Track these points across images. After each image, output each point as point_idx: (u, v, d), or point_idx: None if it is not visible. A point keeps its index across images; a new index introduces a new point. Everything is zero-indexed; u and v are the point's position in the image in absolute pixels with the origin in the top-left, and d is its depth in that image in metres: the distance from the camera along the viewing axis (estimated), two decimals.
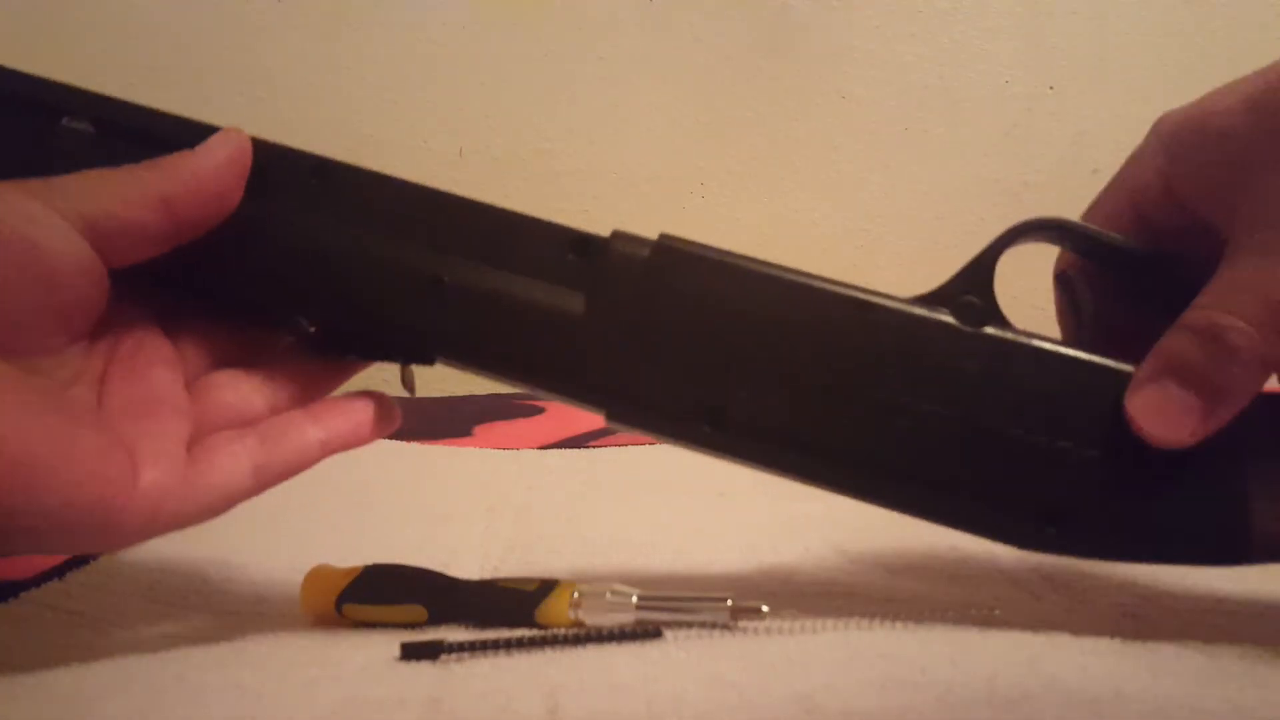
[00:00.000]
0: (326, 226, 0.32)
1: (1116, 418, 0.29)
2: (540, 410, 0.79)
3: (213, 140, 0.31)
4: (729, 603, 0.32)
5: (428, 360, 0.33)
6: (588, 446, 0.65)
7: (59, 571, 0.38)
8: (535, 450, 0.64)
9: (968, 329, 0.31)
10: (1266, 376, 0.27)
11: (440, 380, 1.01)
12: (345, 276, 0.32)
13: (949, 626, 0.32)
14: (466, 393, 0.95)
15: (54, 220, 0.27)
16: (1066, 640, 0.31)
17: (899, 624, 0.32)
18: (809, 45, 0.97)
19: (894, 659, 0.29)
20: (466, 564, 0.39)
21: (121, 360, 0.30)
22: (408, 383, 0.34)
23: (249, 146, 0.31)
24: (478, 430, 0.71)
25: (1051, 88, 0.98)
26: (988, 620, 0.32)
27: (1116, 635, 0.32)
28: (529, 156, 0.98)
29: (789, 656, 0.30)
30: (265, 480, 0.30)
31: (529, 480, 0.55)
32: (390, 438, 0.65)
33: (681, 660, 0.30)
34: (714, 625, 0.32)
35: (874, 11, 0.96)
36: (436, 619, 0.33)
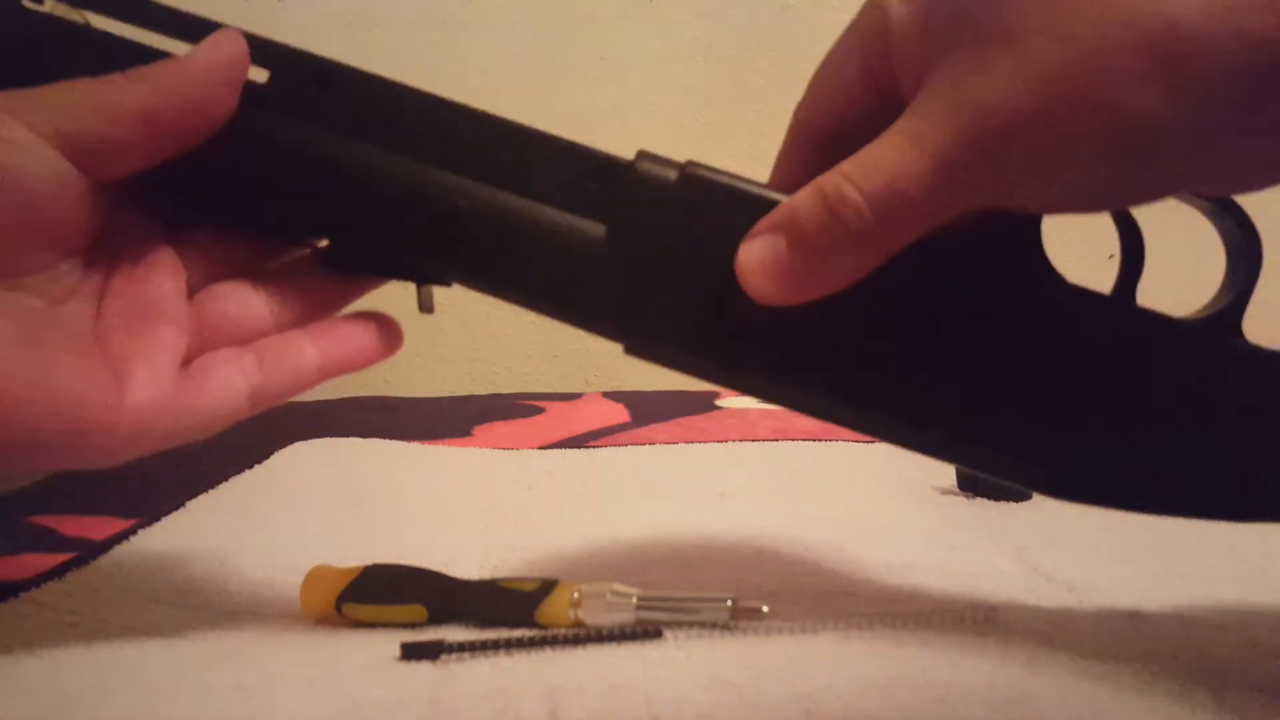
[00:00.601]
0: (333, 141, 0.30)
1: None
2: (540, 410, 0.79)
3: (204, 45, 0.29)
4: (729, 603, 0.32)
5: (444, 282, 0.32)
6: (587, 446, 0.65)
7: (59, 571, 0.38)
8: (535, 450, 0.64)
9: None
10: (874, 259, 0.26)
11: (441, 381, 1.01)
12: (355, 195, 0.30)
13: (949, 627, 0.32)
14: (466, 393, 0.95)
15: (26, 138, 0.26)
16: (1066, 641, 0.31)
17: (899, 624, 0.32)
18: (809, 45, 0.97)
19: (894, 659, 0.29)
20: (466, 564, 0.39)
21: (122, 270, 0.29)
22: (424, 303, 0.32)
23: (245, 53, 0.30)
24: (477, 430, 0.71)
25: None
26: (988, 621, 0.32)
27: (1116, 636, 0.32)
28: None
29: (789, 657, 0.30)
30: (260, 402, 0.30)
31: (529, 480, 0.55)
32: (390, 438, 0.65)
33: (682, 660, 0.30)
34: (714, 625, 0.32)
35: None
36: (436, 619, 0.33)
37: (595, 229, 0.30)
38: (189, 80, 0.28)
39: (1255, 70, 0.22)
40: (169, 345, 0.29)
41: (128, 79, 0.28)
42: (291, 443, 0.62)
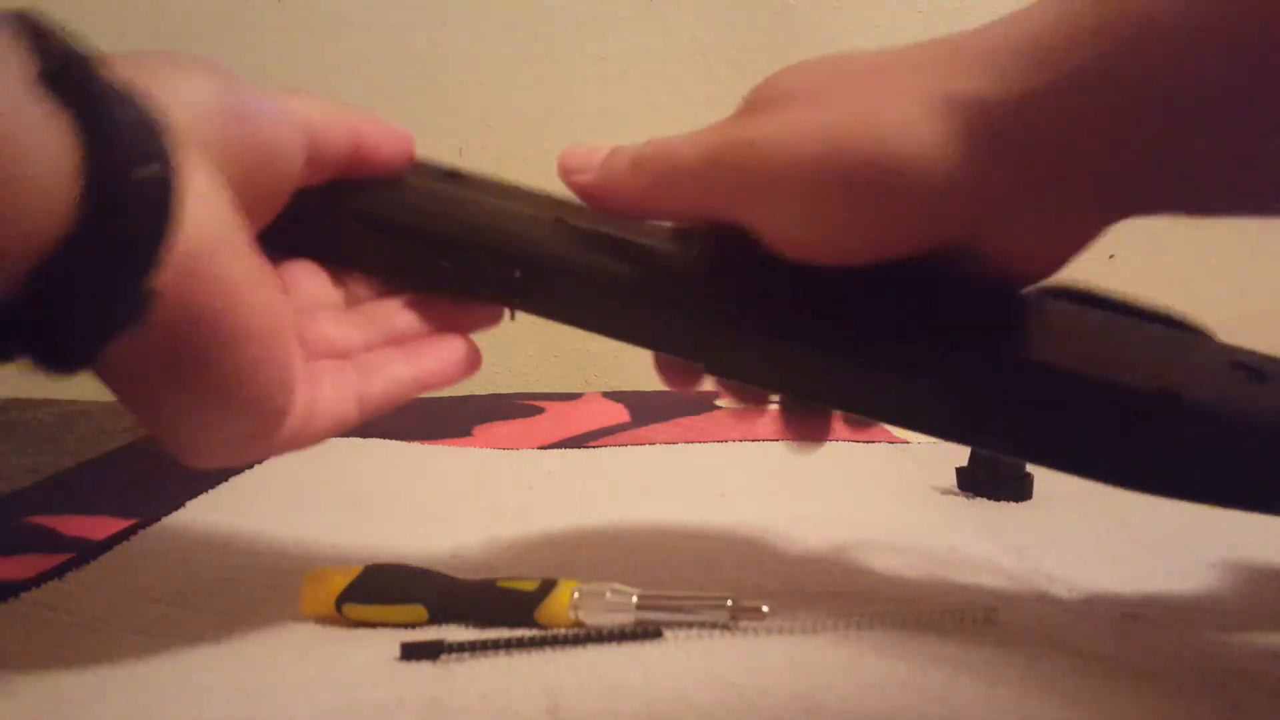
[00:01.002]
0: (460, 195, 0.34)
1: None
2: (540, 410, 0.79)
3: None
4: (729, 603, 0.32)
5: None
6: (587, 447, 0.65)
7: (59, 571, 0.38)
8: (535, 450, 0.64)
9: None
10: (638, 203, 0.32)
11: None
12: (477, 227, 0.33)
13: (949, 627, 0.32)
14: (466, 393, 0.95)
15: (293, 125, 0.29)
16: (1067, 641, 0.31)
17: (899, 624, 0.32)
18: (810, 45, 0.97)
19: (894, 660, 0.29)
20: (466, 564, 0.39)
21: None
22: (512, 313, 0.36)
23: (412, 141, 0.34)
24: (477, 430, 0.71)
25: None
26: (988, 621, 0.32)
27: (1117, 636, 0.32)
28: (528, 156, 0.98)
29: (789, 657, 0.30)
30: (368, 410, 0.31)
31: (529, 480, 0.55)
32: (390, 437, 0.65)
33: (682, 660, 0.30)
34: (714, 625, 0.32)
35: (874, 10, 0.96)
36: (436, 619, 0.33)
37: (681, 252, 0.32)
38: (381, 123, 0.33)
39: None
40: (297, 353, 0.29)
41: (338, 103, 0.32)
42: None
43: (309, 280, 0.33)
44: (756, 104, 0.31)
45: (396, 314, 0.33)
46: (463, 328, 0.34)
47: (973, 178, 0.27)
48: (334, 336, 0.32)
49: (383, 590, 0.33)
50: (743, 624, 0.32)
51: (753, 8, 0.96)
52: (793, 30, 0.96)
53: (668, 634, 0.31)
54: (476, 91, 0.97)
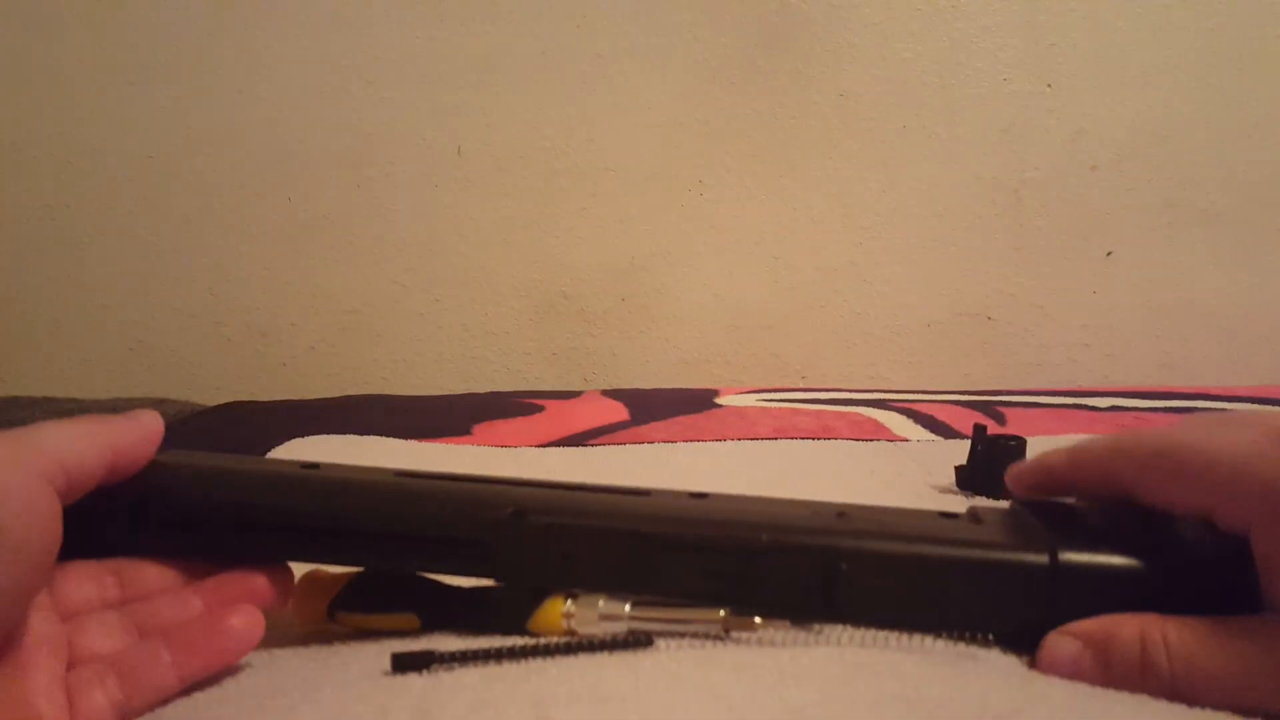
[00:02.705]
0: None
1: None
2: (539, 409, 0.79)
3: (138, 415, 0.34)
4: (722, 613, 0.31)
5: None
6: (587, 445, 0.65)
7: None
8: (534, 448, 0.64)
9: None
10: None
11: (440, 379, 1.01)
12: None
13: (942, 643, 0.31)
14: (466, 391, 0.95)
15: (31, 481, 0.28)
16: None
17: (893, 639, 0.32)
18: (808, 43, 0.96)
19: (887, 675, 0.29)
20: None
21: None
22: None
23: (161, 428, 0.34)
24: (477, 429, 0.71)
25: (1049, 86, 0.97)
26: (981, 638, 0.32)
27: None
28: (527, 154, 0.98)
29: (781, 669, 0.30)
30: (126, 718, 0.30)
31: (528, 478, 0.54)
32: (390, 436, 0.65)
33: (673, 671, 0.29)
34: (707, 636, 0.32)
35: (873, 9, 0.96)
36: (429, 626, 0.33)
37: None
38: (139, 429, 0.33)
39: None
40: (54, 673, 0.30)
41: (99, 422, 0.32)
42: (290, 440, 0.62)
43: (83, 585, 0.33)
44: None
45: (173, 606, 0.33)
46: (251, 596, 0.33)
47: None
48: (99, 647, 0.31)
49: (375, 598, 0.33)
50: (735, 635, 0.32)
51: (752, 6, 0.96)
52: (792, 28, 0.96)
53: (660, 644, 0.31)
54: (476, 90, 0.96)
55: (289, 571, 0.34)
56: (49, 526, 0.29)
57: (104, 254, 0.99)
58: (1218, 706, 0.28)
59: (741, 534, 0.32)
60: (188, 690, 0.31)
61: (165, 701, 0.30)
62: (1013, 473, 0.37)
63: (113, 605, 0.33)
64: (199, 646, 0.31)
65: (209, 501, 0.34)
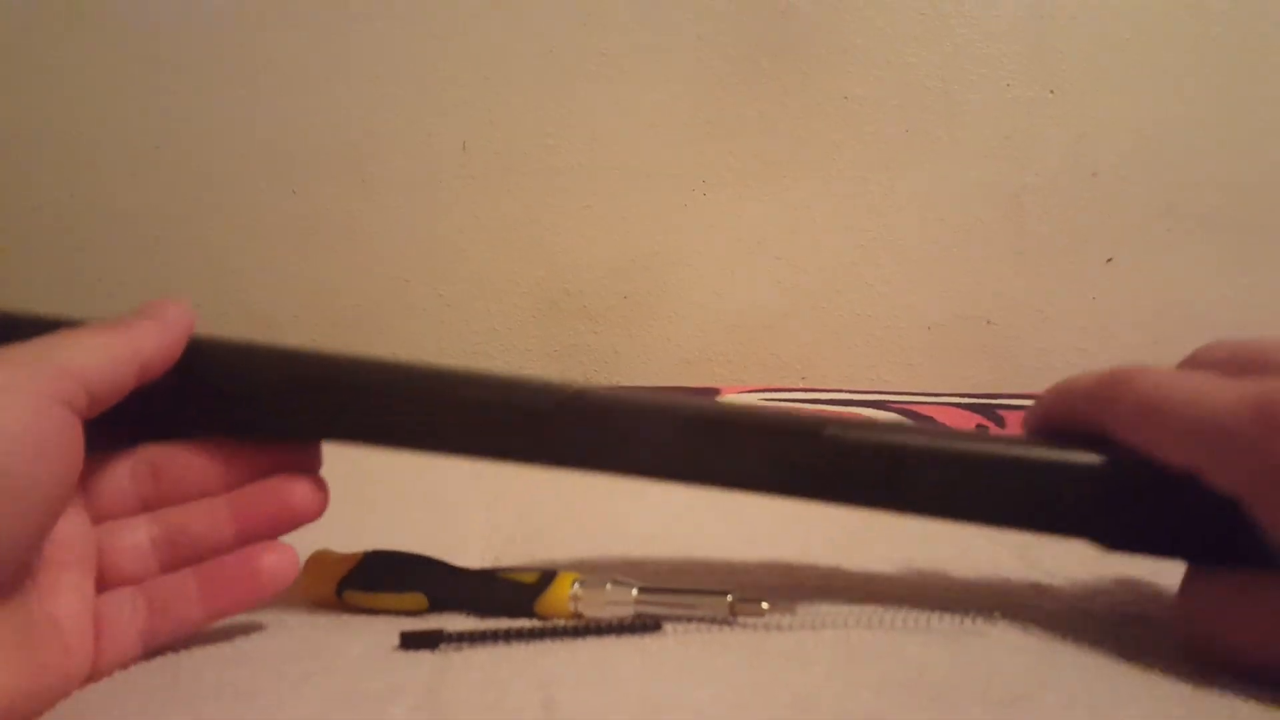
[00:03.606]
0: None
1: None
2: None
3: (163, 306, 0.32)
4: (729, 598, 0.32)
5: None
6: None
7: None
8: None
9: None
10: None
11: None
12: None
13: (948, 626, 0.32)
14: None
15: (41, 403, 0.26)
16: (1065, 642, 0.31)
17: (898, 623, 0.32)
18: (811, 45, 0.97)
19: (893, 658, 0.29)
20: (468, 554, 0.39)
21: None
22: None
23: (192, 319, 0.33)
24: None
25: (1052, 91, 0.98)
26: (987, 621, 0.32)
27: (1115, 637, 0.32)
28: (531, 151, 0.98)
29: (788, 654, 0.30)
30: (151, 646, 0.30)
31: (530, 473, 0.55)
32: None
33: (680, 655, 0.30)
34: (714, 620, 0.32)
35: (877, 13, 0.96)
36: (436, 607, 0.33)
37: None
38: (166, 330, 0.31)
39: None
40: (83, 592, 0.29)
41: (124, 326, 0.30)
42: None
43: (117, 481, 0.32)
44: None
45: (204, 520, 0.32)
46: (285, 511, 0.32)
47: None
48: (129, 567, 0.31)
49: (383, 577, 0.33)
50: (742, 620, 0.32)
51: (756, 7, 0.96)
52: (795, 30, 0.96)
53: (667, 628, 0.31)
54: (479, 88, 0.96)
55: (290, 557, 0.32)
56: (63, 457, 0.27)
57: (105, 248, 0.99)
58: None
59: (810, 423, 0.32)
60: (206, 640, 0.31)
61: (189, 634, 0.30)
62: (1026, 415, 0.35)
63: (148, 503, 0.32)
64: (229, 585, 0.30)
65: (256, 375, 0.33)
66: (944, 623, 0.32)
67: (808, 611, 0.32)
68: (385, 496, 0.49)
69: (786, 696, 0.27)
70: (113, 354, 0.29)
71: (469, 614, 0.33)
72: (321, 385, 0.33)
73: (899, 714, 0.26)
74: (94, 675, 0.29)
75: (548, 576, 0.33)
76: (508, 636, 0.30)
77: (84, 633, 0.29)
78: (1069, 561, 0.40)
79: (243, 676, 0.28)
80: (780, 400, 0.80)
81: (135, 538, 0.31)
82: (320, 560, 0.34)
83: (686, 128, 0.97)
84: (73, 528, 0.30)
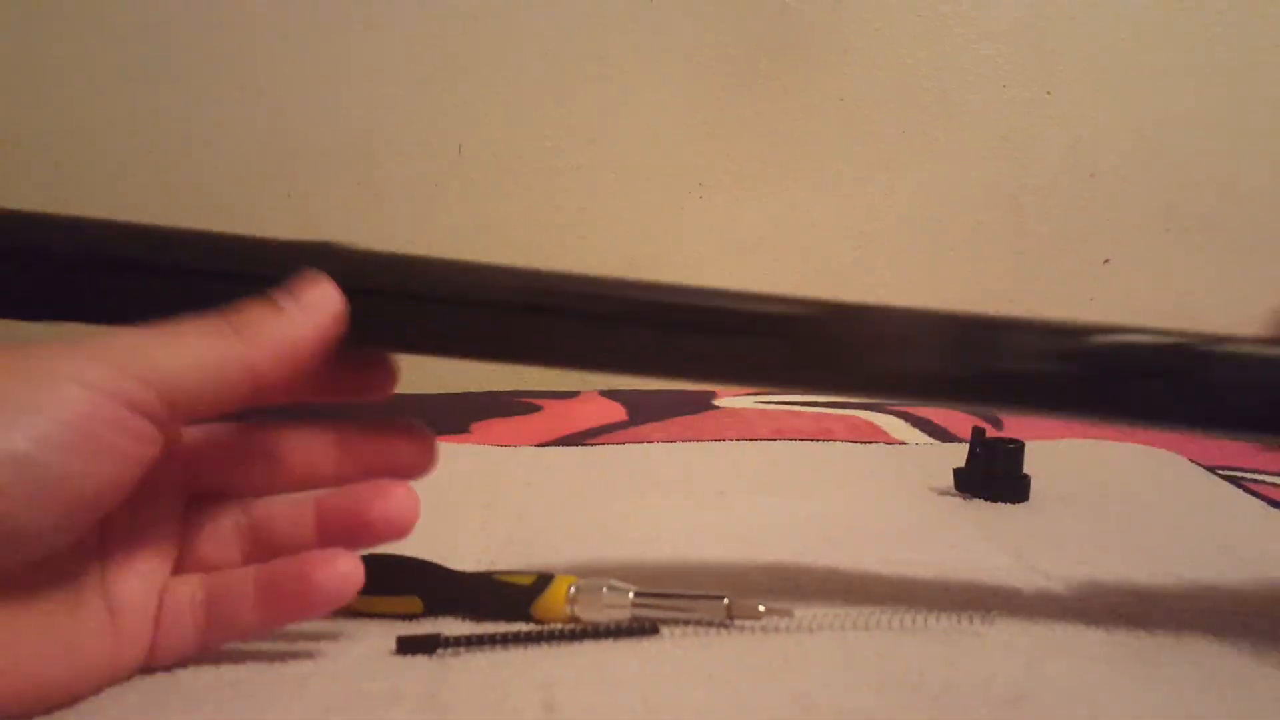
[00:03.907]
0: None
1: None
2: (538, 408, 0.79)
3: (307, 298, 0.28)
4: (726, 601, 0.32)
5: None
6: (585, 444, 0.65)
7: None
8: (533, 447, 0.64)
9: None
10: None
11: (438, 378, 1.01)
12: None
13: (945, 627, 0.32)
14: (463, 390, 0.95)
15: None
16: (1063, 641, 0.31)
17: (896, 624, 0.32)
18: (809, 47, 0.97)
19: (891, 659, 0.29)
20: (464, 558, 0.39)
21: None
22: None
23: (342, 310, 0.29)
24: (475, 427, 0.71)
25: (1049, 92, 0.98)
26: (984, 621, 0.32)
27: (1113, 636, 0.32)
28: (528, 154, 0.98)
29: (786, 655, 0.30)
30: (208, 644, 0.29)
31: (527, 476, 0.55)
32: None
33: (678, 658, 0.30)
34: (711, 623, 0.32)
35: (874, 14, 0.96)
36: (432, 611, 0.33)
37: None
38: (294, 341, 0.27)
39: None
40: (154, 580, 0.28)
41: (230, 330, 0.27)
42: None
43: (217, 467, 0.30)
44: None
45: (288, 519, 0.30)
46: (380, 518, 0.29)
47: None
48: (208, 554, 0.30)
49: (379, 580, 0.33)
50: (739, 623, 0.32)
51: (752, 8, 0.96)
52: (793, 32, 0.96)
53: (664, 631, 0.31)
54: (475, 89, 0.96)
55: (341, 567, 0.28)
56: (115, 460, 0.24)
57: None
58: None
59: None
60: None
61: (243, 637, 0.29)
62: None
63: (252, 485, 0.30)
64: (286, 599, 0.28)
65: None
66: (941, 624, 0.32)
67: (805, 613, 0.32)
68: None
69: (784, 698, 0.27)
70: (202, 361, 0.26)
71: (465, 617, 0.33)
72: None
73: (898, 714, 0.26)
74: (149, 665, 0.28)
75: (544, 580, 0.33)
76: (505, 640, 0.30)
77: (144, 621, 0.28)
78: (1065, 561, 0.40)
79: (241, 677, 0.28)
80: (779, 403, 0.81)
81: (220, 523, 0.30)
82: None
83: (684, 129, 0.97)
84: (160, 511, 0.29)
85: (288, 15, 0.95)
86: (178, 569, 0.29)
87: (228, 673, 0.29)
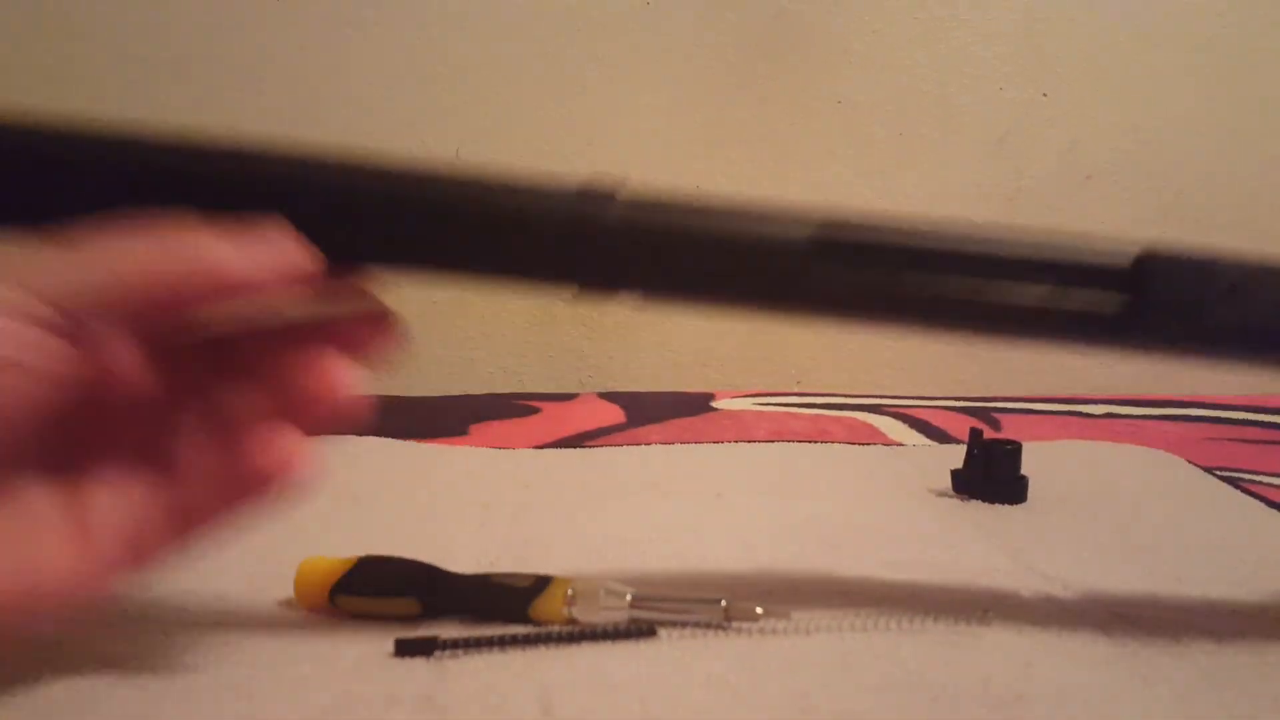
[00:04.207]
0: None
1: None
2: (535, 410, 0.79)
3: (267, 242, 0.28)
4: (723, 603, 0.32)
5: None
6: (583, 446, 0.65)
7: None
8: (531, 450, 0.64)
9: None
10: None
11: (435, 380, 1.01)
12: None
13: (943, 628, 0.32)
14: (461, 392, 0.95)
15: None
16: (1060, 643, 0.31)
17: (894, 625, 0.32)
18: (806, 49, 0.97)
19: (888, 660, 0.29)
20: (462, 560, 0.39)
21: None
22: None
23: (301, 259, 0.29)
24: (473, 429, 0.71)
25: (1045, 95, 0.98)
26: (982, 622, 0.32)
27: (1110, 638, 0.32)
28: (525, 157, 0.98)
29: (784, 657, 0.30)
30: (141, 552, 0.27)
31: (525, 478, 0.54)
32: (386, 435, 0.65)
33: (676, 660, 0.30)
34: (708, 625, 0.32)
35: (871, 17, 0.96)
36: (430, 613, 0.33)
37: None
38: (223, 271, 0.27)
39: None
40: (134, 497, 0.27)
41: (152, 242, 0.26)
42: None
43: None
44: None
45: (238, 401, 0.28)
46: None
47: None
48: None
49: (377, 582, 0.33)
50: (737, 624, 0.32)
51: (750, 10, 0.96)
52: (790, 33, 0.97)
53: (662, 633, 0.31)
54: (473, 91, 0.97)
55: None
56: (20, 372, 0.23)
57: None
58: None
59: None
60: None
61: (178, 547, 0.28)
62: None
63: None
64: (222, 492, 0.28)
65: None
66: (939, 625, 0.32)
67: (802, 615, 0.32)
68: (378, 506, 0.49)
69: (783, 700, 0.27)
70: (102, 271, 0.24)
71: (463, 619, 0.33)
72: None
73: (896, 716, 0.26)
74: (129, 573, 0.27)
75: (542, 582, 0.33)
76: (503, 643, 0.30)
77: (114, 539, 0.27)
78: (1063, 563, 0.40)
79: (240, 678, 0.28)
80: (777, 405, 0.81)
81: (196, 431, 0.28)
82: (313, 566, 0.34)
83: (681, 132, 0.97)
84: (136, 429, 0.27)
85: (287, 16, 0.95)
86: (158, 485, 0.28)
87: (227, 674, 0.28)
